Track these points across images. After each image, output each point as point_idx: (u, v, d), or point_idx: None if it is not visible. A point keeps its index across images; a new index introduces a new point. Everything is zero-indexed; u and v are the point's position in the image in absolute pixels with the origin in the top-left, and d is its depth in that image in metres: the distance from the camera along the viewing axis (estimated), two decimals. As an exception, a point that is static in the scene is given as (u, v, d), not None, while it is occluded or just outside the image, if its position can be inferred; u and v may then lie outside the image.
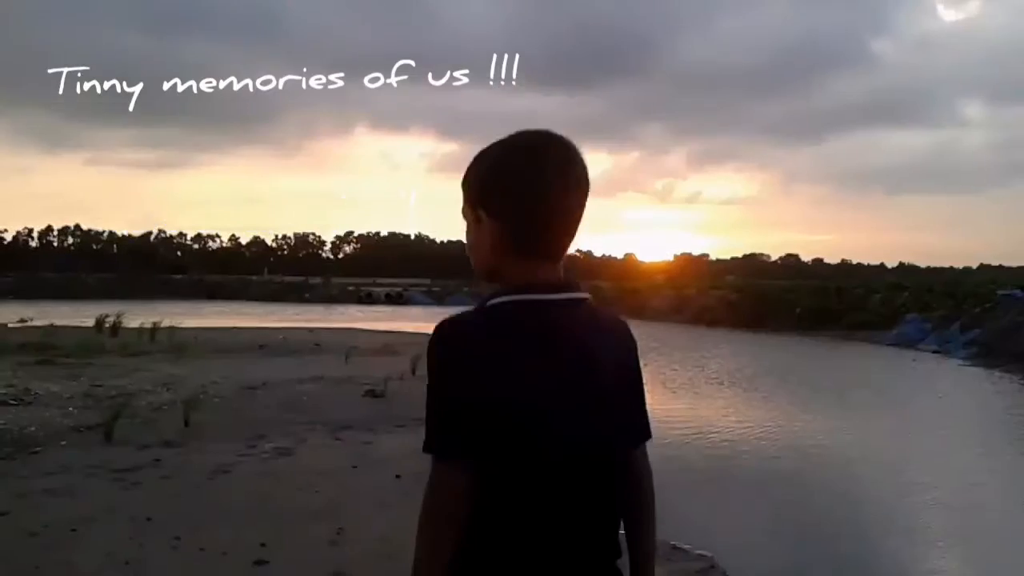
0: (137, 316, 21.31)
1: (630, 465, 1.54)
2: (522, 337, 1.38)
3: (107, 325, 20.93)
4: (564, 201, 1.45)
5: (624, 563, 1.53)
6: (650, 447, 1.60)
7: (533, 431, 1.36)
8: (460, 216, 1.53)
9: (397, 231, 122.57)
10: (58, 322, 21.64)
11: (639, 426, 1.56)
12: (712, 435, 10.72)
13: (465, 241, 1.53)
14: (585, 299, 1.47)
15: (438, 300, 55.25)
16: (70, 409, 9.80)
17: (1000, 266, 56.23)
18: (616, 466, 1.49)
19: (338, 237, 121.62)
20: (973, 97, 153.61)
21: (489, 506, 1.36)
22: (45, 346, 16.04)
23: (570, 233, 1.48)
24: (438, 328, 1.40)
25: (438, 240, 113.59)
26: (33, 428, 8.62)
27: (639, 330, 1.57)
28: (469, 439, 1.33)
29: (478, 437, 1.33)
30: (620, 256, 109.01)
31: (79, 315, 23.68)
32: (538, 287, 1.43)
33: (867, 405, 14.31)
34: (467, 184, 1.50)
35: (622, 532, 1.53)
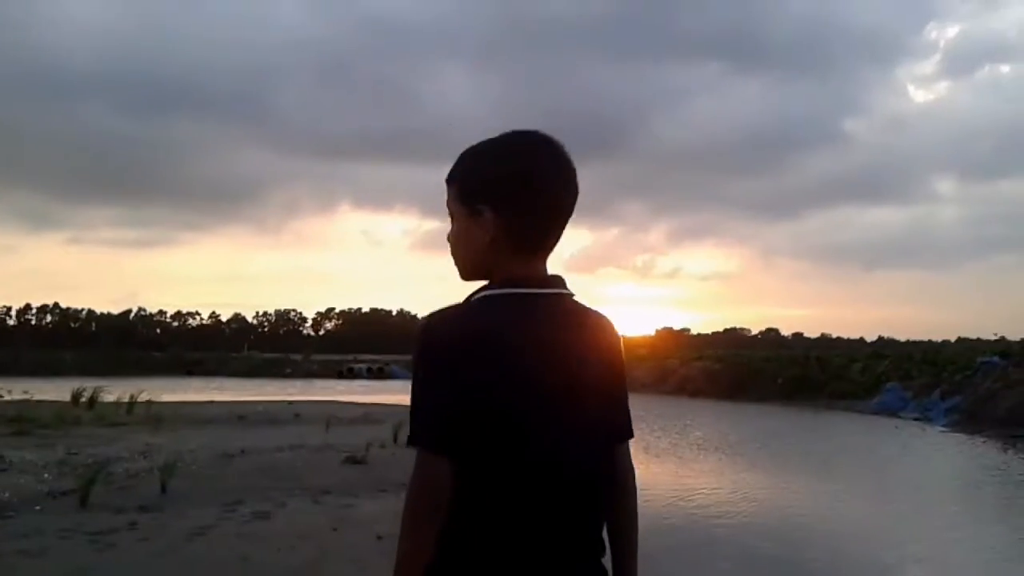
0: (114, 391, 21.08)
1: (613, 462, 1.54)
2: (509, 329, 1.38)
3: (83, 399, 20.69)
4: (561, 198, 1.49)
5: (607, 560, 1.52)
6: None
7: (519, 425, 1.35)
8: (445, 244, 1.53)
9: (379, 307, 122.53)
10: (34, 396, 21.35)
11: (622, 423, 1.56)
12: (696, 498, 10.63)
13: (450, 241, 1.52)
14: (571, 295, 1.50)
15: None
16: (45, 476, 9.62)
17: (978, 339, 56.50)
18: (600, 462, 1.49)
19: (319, 313, 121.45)
20: (945, 174, 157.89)
21: (472, 501, 1.34)
22: (21, 418, 15.78)
23: (561, 230, 1.50)
24: (425, 321, 1.39)
25: (420, 316, 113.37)
26: (7, 494, 8.44)
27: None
28: (456, 432, 1.32)
29: (465, 430, 1.32)
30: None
31: (56, 390, 23.37)
32: (528, 281, 1.45)
33: (850, 470, 14.27)
34: (461, 179, 1.50)
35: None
